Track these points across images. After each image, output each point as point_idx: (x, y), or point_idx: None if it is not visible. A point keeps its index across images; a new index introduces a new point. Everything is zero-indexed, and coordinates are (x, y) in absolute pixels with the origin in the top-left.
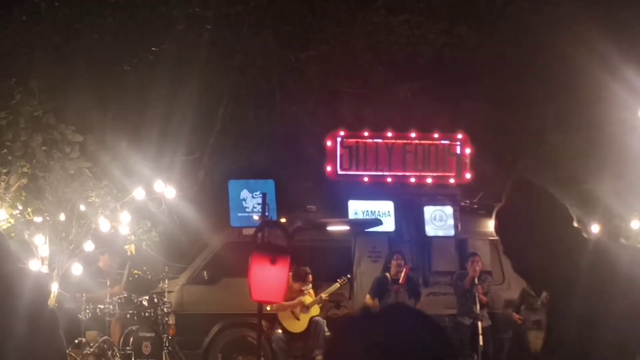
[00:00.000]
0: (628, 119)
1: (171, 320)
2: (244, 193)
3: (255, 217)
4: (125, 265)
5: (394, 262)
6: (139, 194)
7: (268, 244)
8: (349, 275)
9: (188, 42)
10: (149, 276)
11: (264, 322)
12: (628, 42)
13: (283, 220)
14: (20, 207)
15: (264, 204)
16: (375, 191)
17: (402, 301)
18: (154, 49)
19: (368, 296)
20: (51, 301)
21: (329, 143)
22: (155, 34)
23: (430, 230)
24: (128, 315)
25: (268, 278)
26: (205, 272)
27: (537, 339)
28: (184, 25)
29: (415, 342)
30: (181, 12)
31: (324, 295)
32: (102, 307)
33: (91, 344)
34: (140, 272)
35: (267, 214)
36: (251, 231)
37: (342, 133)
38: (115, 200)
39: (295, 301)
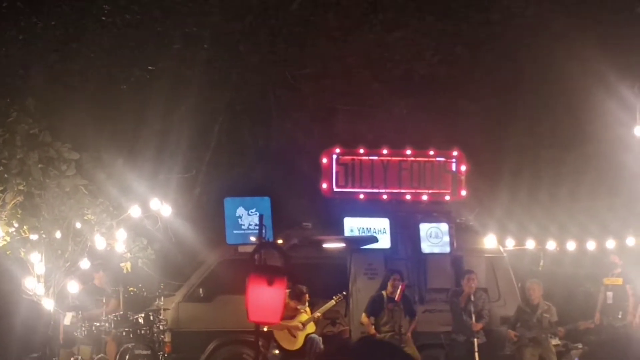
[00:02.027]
0: (623, 136)
1: (167, 337)
2: (240, 210)
3: (252, 238)
4: (119, 282)
5: (390, 282)
6: (135, 211)
7: (265, 266)
8: (344, 293)
9: (184, 60)
10: (145, 293)
11: (259, 340)
12: (623, 59)
13: (280, 241)
14: (16, 225)
15: (260, 225)
16: (371, 208)
17: (398, 319)
18: (150, 67)
19: (364, 315)
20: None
21: (324, 160)
22: (151, 53)
23: (426, 247)
24: (124, 333)
25: (265, 299)
26: (201, 290)
27: (532, 356)
28: (181, 45)
29: None
30: (177, 31)
31: (319, 312)
32: (97, 324)
33: None
34: (135, 290)
35: (263, 233)
36: (247, 248)
37: (337, 150)
38: (111, 218)
39: (293, 322)
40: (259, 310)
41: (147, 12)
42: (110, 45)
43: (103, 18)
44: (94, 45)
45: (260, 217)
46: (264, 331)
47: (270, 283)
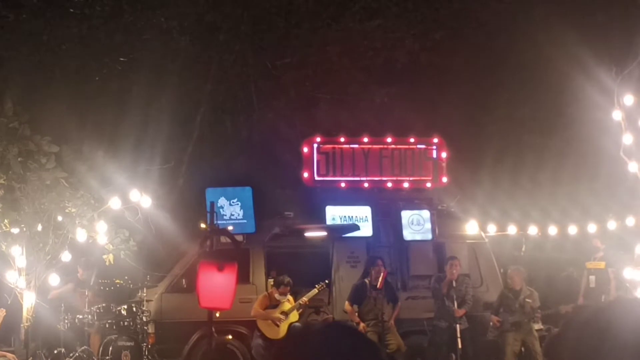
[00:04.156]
0: (602, 120)
1: (150, 329)
2: (222, 201)
3: (203, 225)
4: (102, 275)
5: (375, 269)
6: (115, 203)
7: (215, 252)
8: (327, 281)
9: (164, 51)
10: (131, 285)
11: (243, 329)
12: (601, 43)
13: (230, 228)
14: None
15: (212, 213)
16: (353, 196)
17: (381, 306)
18: (122, 59)
19: (347, 303)
20: (29, 312)
21: (305, 149)
22: (122, 44)
23: (408, 234)
24: (107, 325)
25: (216, 285)
26: (184, 280)
27: (515, 341)
28: (150, 36)
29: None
30: (147, 22)
31: (302, 301)
32: (80, 317)
33: (70, 354)
34: (122, 282)
35: (216, 221)
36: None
37: (318, 139)
38: (92, 210)
39: (275, 311)
40: (210, 297)
41: (117, 3)
42: (81, 37)
43: (72, 10)
44: (64, 37)
45: (212, 204)
46: (247, 319)
47: (220, 269)
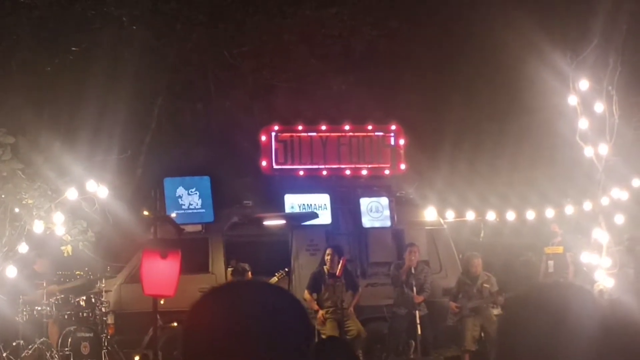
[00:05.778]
0: (558, 105)
1: (110, 319)
2: (180, 190)
3: (146, 212)
4: (61, 266)
5: (327, 258)
6: (72, 194)
7: (158, 239)
8: (286, 269)
9: (116, 41)
10: (91, 277)
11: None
12: (557, 29)
13: (174, 215)
14: None
15: (155, 201)
16: (311, 184)
17: (340, 293)
18: (73, 48)
19: (306, 291)
20: None
21: (263, 138)
22: (75, 34)
23: (367, 221)
24: (66, 316)
25: (159, 272)
26: None
27: (474, 326)
28: (100, 25)
29: (264, 316)
30: (97, 11)
31: None
32: (39, 308)
33: (29, 346)
34: (82, 273)
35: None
36: (188, 228)
37: (276, 127)
38: (50, 201)
39: None
40: (153, 284)
41: None
42: (32, 27)
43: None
44: (15, 27)
45: (156, 192)
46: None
47: (163, 256)
